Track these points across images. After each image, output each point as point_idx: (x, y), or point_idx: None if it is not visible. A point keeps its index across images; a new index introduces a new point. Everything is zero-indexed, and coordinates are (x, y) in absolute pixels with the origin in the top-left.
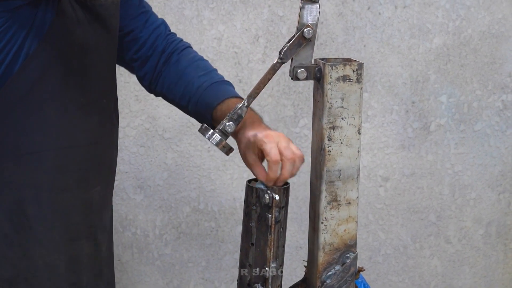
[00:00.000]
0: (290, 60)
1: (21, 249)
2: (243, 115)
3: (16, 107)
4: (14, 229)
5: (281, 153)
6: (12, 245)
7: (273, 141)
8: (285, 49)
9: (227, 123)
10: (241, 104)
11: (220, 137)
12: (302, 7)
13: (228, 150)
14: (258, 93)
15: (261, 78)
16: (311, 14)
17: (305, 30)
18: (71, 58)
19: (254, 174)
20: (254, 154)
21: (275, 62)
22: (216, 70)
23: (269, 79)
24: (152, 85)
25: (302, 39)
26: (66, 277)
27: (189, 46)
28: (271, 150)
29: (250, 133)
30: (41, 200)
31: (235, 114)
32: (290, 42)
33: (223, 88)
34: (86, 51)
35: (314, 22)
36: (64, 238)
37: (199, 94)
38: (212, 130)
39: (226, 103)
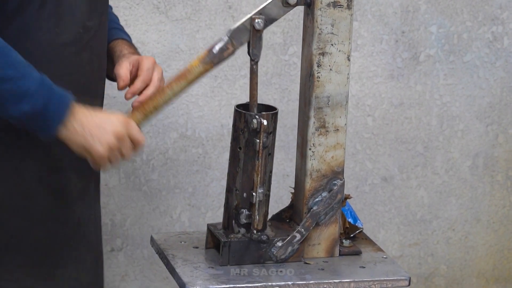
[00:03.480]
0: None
1: None
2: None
3: None
4: None
5: (152, 79)
6: None
7: (153, 65)
8: (251, 50)
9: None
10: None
11: None
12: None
13: None
14: (256, 100)
15: (250, 86)
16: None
17: (255, 24)
18: None
19: (117, 74)
20: (129, 63)
21: (250, 66)
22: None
23: (256, 83)
24: None
25: (258, 32)
26: (50, 209)
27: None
28: (149, 69)
29: (134, 52)
30: (18, 129)
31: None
32: (251, 43)
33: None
34: None
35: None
36: (44, 169)
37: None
38: None
39: (119, 41)
